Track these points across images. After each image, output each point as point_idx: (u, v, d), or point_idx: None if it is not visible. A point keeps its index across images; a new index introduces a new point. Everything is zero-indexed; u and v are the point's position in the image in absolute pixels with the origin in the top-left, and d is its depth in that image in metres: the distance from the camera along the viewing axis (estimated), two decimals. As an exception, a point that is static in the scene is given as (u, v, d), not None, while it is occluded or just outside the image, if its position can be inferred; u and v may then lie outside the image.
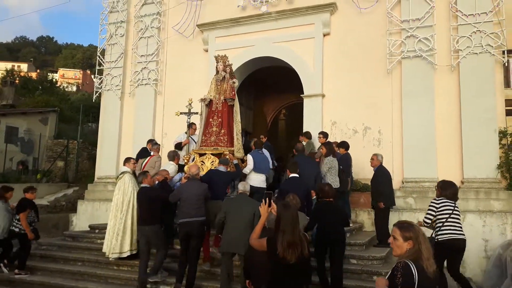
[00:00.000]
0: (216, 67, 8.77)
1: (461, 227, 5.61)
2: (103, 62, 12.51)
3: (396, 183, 8.58)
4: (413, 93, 9.02)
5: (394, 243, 2.78)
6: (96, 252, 8.12)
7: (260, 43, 10.76)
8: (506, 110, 8.84)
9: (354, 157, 8.52)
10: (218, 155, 8.00)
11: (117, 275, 7.21)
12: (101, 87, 12.43)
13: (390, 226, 4.71)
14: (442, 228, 5.51)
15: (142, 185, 6.90)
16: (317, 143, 9.02)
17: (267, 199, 4.07)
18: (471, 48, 8.62)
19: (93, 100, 13.56)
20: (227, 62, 8.75)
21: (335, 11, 10.14)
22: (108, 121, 12.25)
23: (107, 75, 12.33)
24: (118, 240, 7.28)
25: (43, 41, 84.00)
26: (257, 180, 7.69)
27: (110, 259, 7.42)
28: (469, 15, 8.74)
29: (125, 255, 7.32)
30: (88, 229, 9.61)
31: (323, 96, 10.01)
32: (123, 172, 7.72)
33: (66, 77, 59.52)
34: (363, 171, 8.84)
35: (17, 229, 7.73)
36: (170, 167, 7.95)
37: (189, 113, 8.95)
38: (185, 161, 8.41)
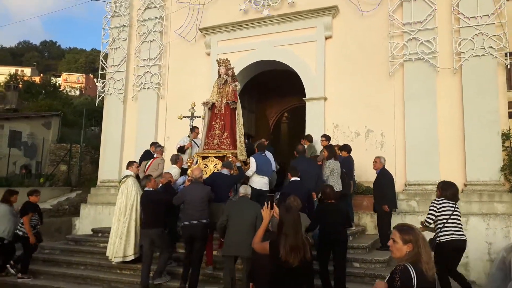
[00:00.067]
0: (218, 71, 8.81)
1: (461, 228, 5.61)
2: (106, 66, 12.56)
3: (398, 186, 8.57)
4: (416, 95, 9.01)
5: (393, 246, 2.78)
6: (98, 256, 8.13)
7: (262, 46, 10.78)
8: (509, 112, 8.82)
9: (356, 160, 8.52)
10: (221, 158, 8.03)
11: (119, 279, 7.21)
12: (104, 91, 12.47)
13: (393, 229, 4.68)
14: (443, 229, 5.51)
15: (146, 188, 6.92)
16: (318, 146, 9.02)
17: (269, 202, 4.06)
18: (473, 50, 8.61)
19: (96, 104, 13.63)
20: (229, 65, 8.78)
21: (337, 14, 10.16)
22: (111, 125, 12.28)
23: (110, 79, 12.37)
24: (122, 243, 7.29)
25: (46, 46, 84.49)
26: (260, 182, 7.70)
27: (113, 262, 7.42)
28: (471, 17, 8.73)
29: (129, 258, 7.34)
30: (91, 233, 9.63)
31: (325, 99, 10.01)
32: (126, 176, 7.75)
33: (69, 81, 59.81)
34: (365, 174, 8.83)
35: (21, 233, 7.77)
36: (173, 170, 7.97)
37: (191, 117, 8.97)
38: (188, 164, 8.44)
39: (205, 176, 7.32)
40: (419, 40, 9.05)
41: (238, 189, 6.70)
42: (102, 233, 9.13)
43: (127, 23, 12.37)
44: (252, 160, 7.80)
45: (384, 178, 7.60)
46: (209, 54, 11.34)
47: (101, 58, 12.71)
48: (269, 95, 15.17)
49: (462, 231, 5.57)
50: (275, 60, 10.68)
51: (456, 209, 5.62)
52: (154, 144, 9.34)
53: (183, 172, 8.32)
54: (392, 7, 9.45)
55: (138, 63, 12.11)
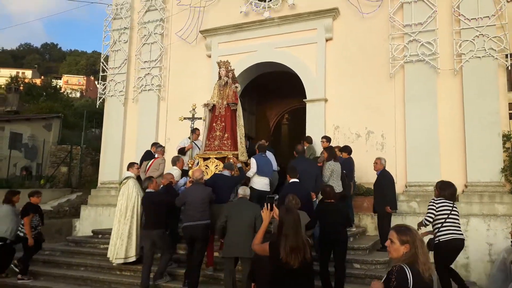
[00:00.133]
0: (219, 73, 8.82)
1: (460, 227, 5.61)
2: (106, 68, 12.59)
3: (399, 187, 8.58)
4: (416, 97, 9.02)
5: (391, 246, 2.78)
6: (99, 257, 8.13)
7: (262, 48, 10.80)
8: (509, 113, 8.83)
9: (357, 161, 8.52)
10: (222, 159, 8.03)
11: (120, 280, 7.21)
12: (104, 93, 12.49)
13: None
14: (442, 228, 5.52)
15: (148, 190, 6.93)
16: (318, 148, 9.02)
17: (268, 204, 4.05)
18: (474, 52, 8.62)
19: (97, 106, 13.64)
20: (229, 67, 8.79)
21: (337, 16, 10.17)
22: (111, 126, 12.29)
23: (111, 81, 12.39)
24: (123, 245, 7.30)
25: (47, 48, 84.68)
26: (261, 183, 7.69)
27: (114, 264, 7.42)
28: (471, 19, 8.74)
29: (130, 260, 7.34)
30: (91, 234, 9.62)
31: (325, 100, 10.02)
32: (127, 177, 7.75)
33: (70, 84, 59.87)
34: (366, 175, 8.82)
35: (22, 234, 7.76)
36: (173, 171, 7.97)
37: (192, 119, 8.98)
38: (189, 165, 8.44)
39: (206, 177, 7.33)
40: (420, 42, 9.06)
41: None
42: (102, 235, 9.12)
43: (128, 25, 12.40)
44: (252, 161, 7.80)
45: (384, 179, 7.60)
46: (209, 56, 11.36)
47: (102, 60, 12.73)
48: (270, 97, 15.18)
49: (460, 231, 5.58)
50: (275, 62, 10.68)
51: (454, 208, 5.63)
52: (155, 144, 9.37)
53: (184, 173, 8.32)
54: (393, 9, 9.46)
55: (139, 65, 12.12)
